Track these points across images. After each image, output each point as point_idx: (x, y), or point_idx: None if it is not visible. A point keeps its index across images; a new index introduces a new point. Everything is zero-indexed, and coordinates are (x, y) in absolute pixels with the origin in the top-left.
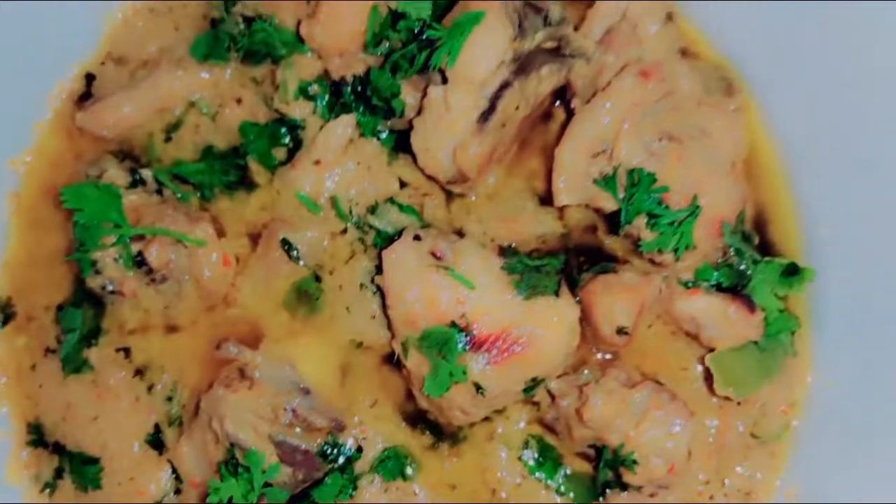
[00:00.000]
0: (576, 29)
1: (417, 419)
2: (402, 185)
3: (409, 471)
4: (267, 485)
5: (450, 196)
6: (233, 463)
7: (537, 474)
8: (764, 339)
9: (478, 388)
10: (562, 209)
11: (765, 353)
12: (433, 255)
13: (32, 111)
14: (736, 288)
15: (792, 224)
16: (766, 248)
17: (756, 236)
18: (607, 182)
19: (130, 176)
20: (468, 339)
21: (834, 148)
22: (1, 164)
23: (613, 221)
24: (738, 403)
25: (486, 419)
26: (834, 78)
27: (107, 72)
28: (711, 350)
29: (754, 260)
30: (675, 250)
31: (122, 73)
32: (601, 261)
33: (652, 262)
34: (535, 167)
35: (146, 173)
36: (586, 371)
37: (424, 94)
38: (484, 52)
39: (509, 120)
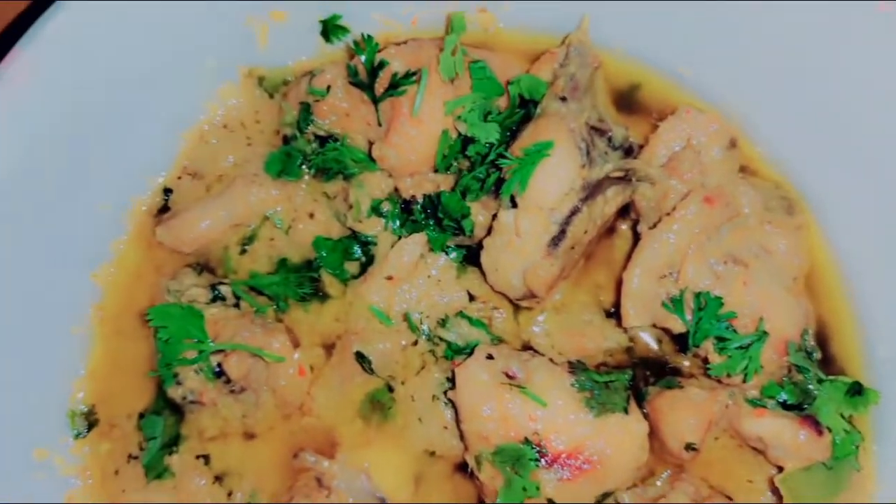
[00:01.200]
0: (640, 147)
1: None
2: (471, 298)
3: None
4: None
5: (517, 309)
6: None
7: None
8: (832, 459)
9: (550, 503)
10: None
11: (832, 471)
12: (505, 374)
13: (112, 227)
14: (801, 405)
15: (853, 340)
16: (828, 363)
17: (818, 351)
18: (675, 304)
19: (210, 292)
20: (541, 455)
21: (893, 265)
22: (84, 278)
23: (681, 340)
24: None
25: None
26: (893, 197)
27: (183, 186)
28: (777, 466)
29: (819, 378)
30: (744, 373)
31: (198, 187)
32: (667, 374)
33: (718, 380)
34: (601, 280)
35: (225, 289)
36: (657, 482)
37: (494, 216)
38: (554, 180)
39: (578, 242)
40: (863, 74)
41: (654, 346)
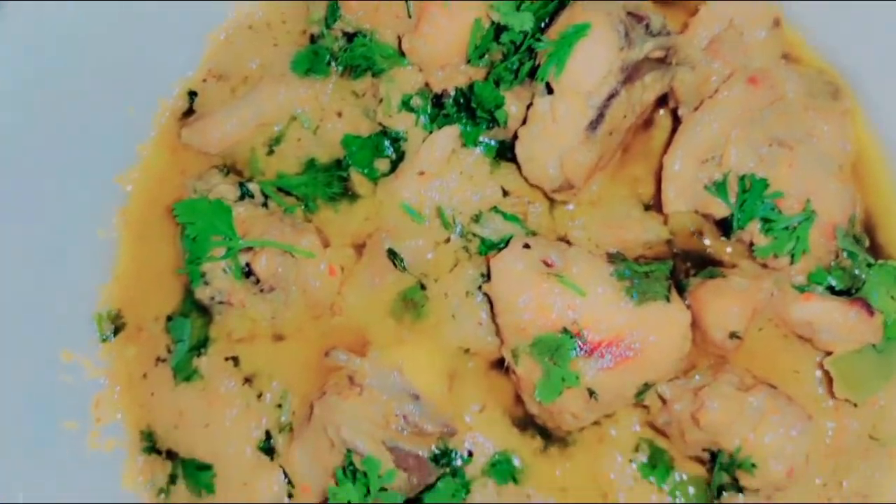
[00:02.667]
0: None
1: (526, 424)
2: (505, 193)
3: (520, 475)
4: (382, 489)
5: (553, 204)
6: (350, 469)
7: (650, 478)
8: (883, 341)
9: (591, 392)
10: (667, 216)
11: (883, 355)
12: (544, 262)
13: (137, 130)
14: (850, 291)
15: None
16: (877, 252)
17: (866, 239)
18: (718, 188)
19: (238, 189)
20: (580, 345)
21: None
22: (109, 181)
23: (723, 226)
24: (855, 405)
25: (596, 423)
26: None
27: (209, 88)
28: (826, 353)
29: (868, 263)
30: (791, 255)
31: (223, 90)
32: (707, 266)
33: (763, 265)
34: (639, 173)
35: (253, 186)
36: (697, 375)
37: (529, 105)
38: (592, 62)
39: (616, 128)
40: None
41: (695, 237)
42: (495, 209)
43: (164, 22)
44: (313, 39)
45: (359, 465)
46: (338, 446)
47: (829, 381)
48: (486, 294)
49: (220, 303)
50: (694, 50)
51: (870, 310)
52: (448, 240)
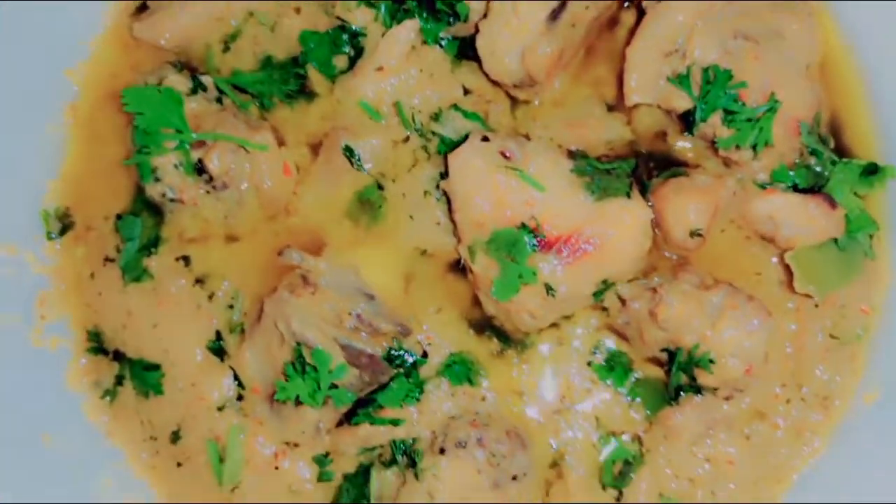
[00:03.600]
0: None
1: (483, 326)
2: (466, 92)
3: (476, 377)
4: (333, 386)
5: (514, 103)
6: (299, 362)
7: (607, 380)
8: (844, 237)
9: (548, 289)
10: (630, 115)
11: (845, 252)
12: (502, 155)
13: (88, 24)
14: (813, 189)
15: (868, 128)
16: (842, 153)
17: (831, 140)
18: (681, 80)
19: (191, 82)
20: (538, 240)
21: None
22: (58, 74)
23: (686, 121)
24: (817, 306)
25: (554, 325)
26: None
27: None
28: (788, 250)
29: (832, 161)
30: (754, 147)
31: None
32: (671, 166)
33: (726, 164)
34: (603, 74)
35: (207, 80)
36: (657, 277)
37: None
38: None
39: (578, 20)
40: None
41: (658, 138)
42: (455, 107)
43: None
44: None
45: (308, 358)
46: (287, 341)
47: (790, 277)
48: (444, 192)
49: (172, 200)
50: None
51: (832, 203)
52: (407, 139)
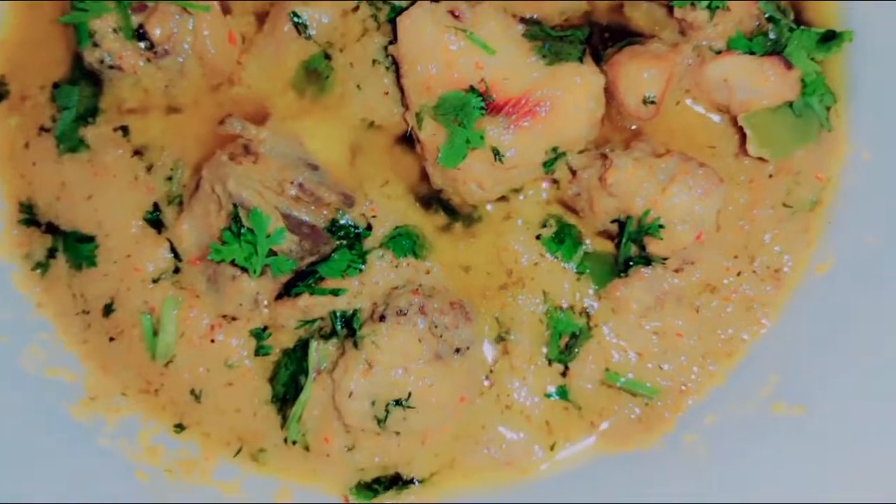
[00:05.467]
0: None
1: (430, 200)
2: None
3: (421, 251)
4: (271, 253)
5: None
6: (236, 224)
7: (556, 254)
8: (800, 101)
9: (496, 154)
10: None
11: (800, 118)
12: (452, 14)
13: None
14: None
15: (831, 5)
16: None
17: (791, 13)
18: None
19: None
20: (487, 102)
21: None
22: None
23: None
24: (770, 176)
25: (503, 198)
26: None
27: None
28: None
29: (790, 28)
30: (710, 7)
31: None
32: (627, 37)
33: (682, 32)
34: None
35: None
36: (609, 147)
37: None
38: None
39: None
40: None
41: (615, 11)
42: None
43: None
44: None
45: (245, 221)
46: (224, 204)
47: (744, 141)
48: (392, 59)
49: (111, 67)
50: None
51: (787, 64)
52: (356, 8)
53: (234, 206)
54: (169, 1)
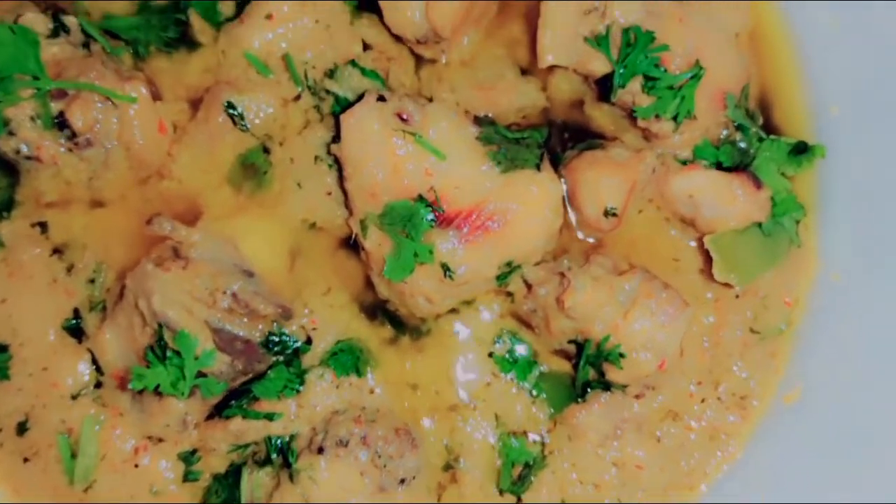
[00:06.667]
0: None
1: (376, 310)
2: (366, 47)
3: (364, 367)
4: (201, 374)
5: (419, 61)
6: (161, 346)
7: (509, 373)
8: (770, 221)
9: (446, 269)
10: (545, 80)
11: (769, 238)
12: (399, 117)
13: None
14: (738, 168)
15: (799, 105)
16: (771, 131)
17: (760, 118)
18: (600, 41)
19: (52, 22)
20: (436, 214)
21: (846, 19)
22: None
23: (604, 88)
24: (737, 297)
25: (453, 311)
26: None
27: None
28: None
29: (759, 138)
30: (675, 118)
31: None
32: (587, 138)
33: (646, 137)
34: (517, 34)
35: (71, 20)
36: (567, 260)
37: None
38: None
39: None
40: None
41: (575, 107)
42: (353, 63)
43: None
44: None
45: (172, 343)
46: (149, 321)
47: (710, 263)
48: (335, 157)
49: (28, 158)
50: None
51: (757, 183)
52: (298, 97)
53: (159, 325)
54: (91, 90)
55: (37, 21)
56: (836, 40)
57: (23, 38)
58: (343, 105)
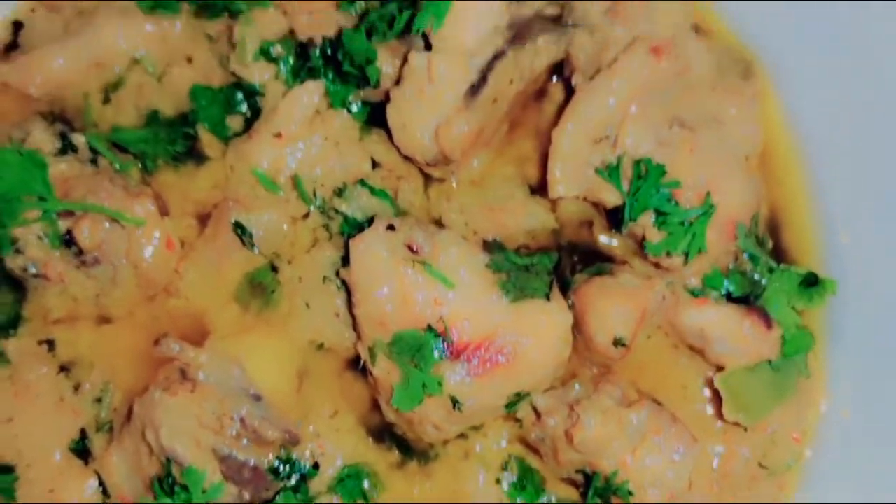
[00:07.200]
0: None
1: (383, 433)
2: (375, 165)
3: (371, 492)
4: None
5: (428, 180)
6: (168, 481)
7: (518, 500)
8: (780, 358)
9: (454, 402)
10: (554, 201)
11: (778, 373)
12: (409, 248)
13: None
14: (748, 298)
15: (809, 228)
16: (780, 255)
17: (769, 240)
18: (610, 172)
19: (60, 141)
20: (445, 345)
21: (859, 144)
22: None
23: (614, 217)
24: (746, 429)
25: (462, 436)
26: (861, 67)
27: (37, 20)
28: (717, 367)
29: (769, 268)
30: (686, 254)
31: (54, 22)
32: (597, 261)
33: (656, 265)
34: (527, 151)
35: (79, 138)
36: (577, 385)
37: (404, 62)
38: (475, 15)
39: (501, 95)
40: None
41: (584, 228)
42: (362, 183)
43: None
44: None
45: (179, 477)
46: (157, 453)
47: (719, 400)
48: (343, 281)
49: (36, 276)
50: (594, 10)
51: (767, 322)
52: (306, 215)
53: (167, 458)
54: (99, 212)
55: (45, 141)
56: (846, 167)
57: (30, 161)
58: (352, 224)
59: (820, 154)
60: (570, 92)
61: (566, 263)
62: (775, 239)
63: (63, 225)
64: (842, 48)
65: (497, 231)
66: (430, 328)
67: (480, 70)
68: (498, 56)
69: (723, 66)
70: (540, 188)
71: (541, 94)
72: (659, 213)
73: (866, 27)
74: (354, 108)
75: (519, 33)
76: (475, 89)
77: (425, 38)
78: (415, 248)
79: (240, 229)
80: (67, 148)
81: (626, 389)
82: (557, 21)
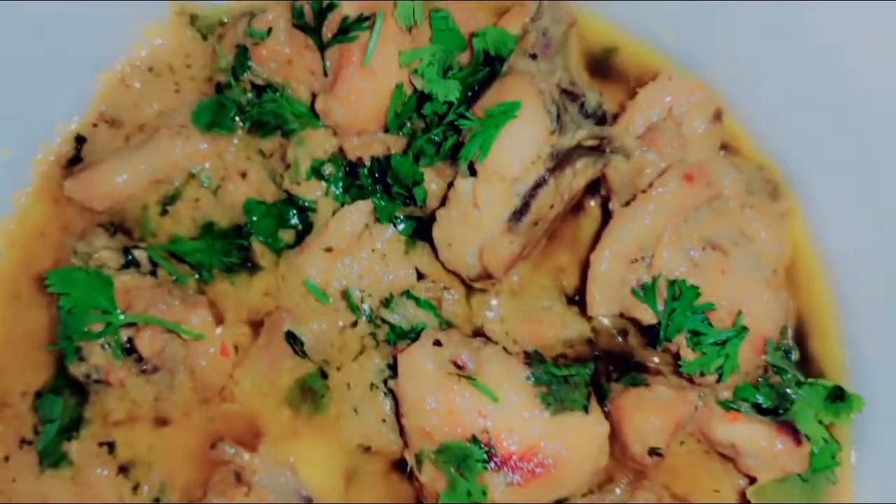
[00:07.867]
0: (614, 117)
1: None
2: (420, 276)
3: None
4: None
5: (470, 290)
6: None
7: None
8: (808, 472)
9: None
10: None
11: (807, 483)
12: (454, 363)
13: (14, 177)
14: (777, 410)
15: (834, 339)
16: (807, 363)
17: (796, 350)
18: (646, 293)
19: (123, 257)
20: (490, 456)
21: (881, 260)
22: None
23: (649, 333)
24: None
25: None
26: (884, 186)
27: (99, 135)
28: (747, 476)
29: (797, 381)
30: (719, 373)
31: (115, 137)
32: (631, 370)
33: (689, 379)
34: (564, 263)
35: (140, 254)
36: (617, 489)
37: (450, 183)
38: (519, 146)
39: (542, 218)
40: (862, 51)
41: (619, 338)
42: (408, 294)
43: (50, 56)
44: (219, 89)
45: None
46: None
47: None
48: (391, 389)
49: (97, 381)
50: (629, 138)
51: (797, 438)
52: (355, 324)
53: None
54: (160, 325)
55: (110, 258)
56: (871, 278)
57: (96, 278)
58: (398, 333)
59: (843, 268)
60: (606, 213)
61: (602, 370)
62: (802, 347)
63: (125, 334)
64: (866, 168)
65: (536, 341)
66: (475, 439)
67: (523, 197)
68: (540, 184)
69: (752, 186)
70: (575, 298)
71: (578, 207)
72: (693, 333)
73: (886, 152)
74: (401, 224)
75: (560, 162)
76: (518, 215)
77: (471, 165)
78: (460, 364)
79: (291, 338)
80: (130, 262)
81: (660, 494)
82: (595, 149)
